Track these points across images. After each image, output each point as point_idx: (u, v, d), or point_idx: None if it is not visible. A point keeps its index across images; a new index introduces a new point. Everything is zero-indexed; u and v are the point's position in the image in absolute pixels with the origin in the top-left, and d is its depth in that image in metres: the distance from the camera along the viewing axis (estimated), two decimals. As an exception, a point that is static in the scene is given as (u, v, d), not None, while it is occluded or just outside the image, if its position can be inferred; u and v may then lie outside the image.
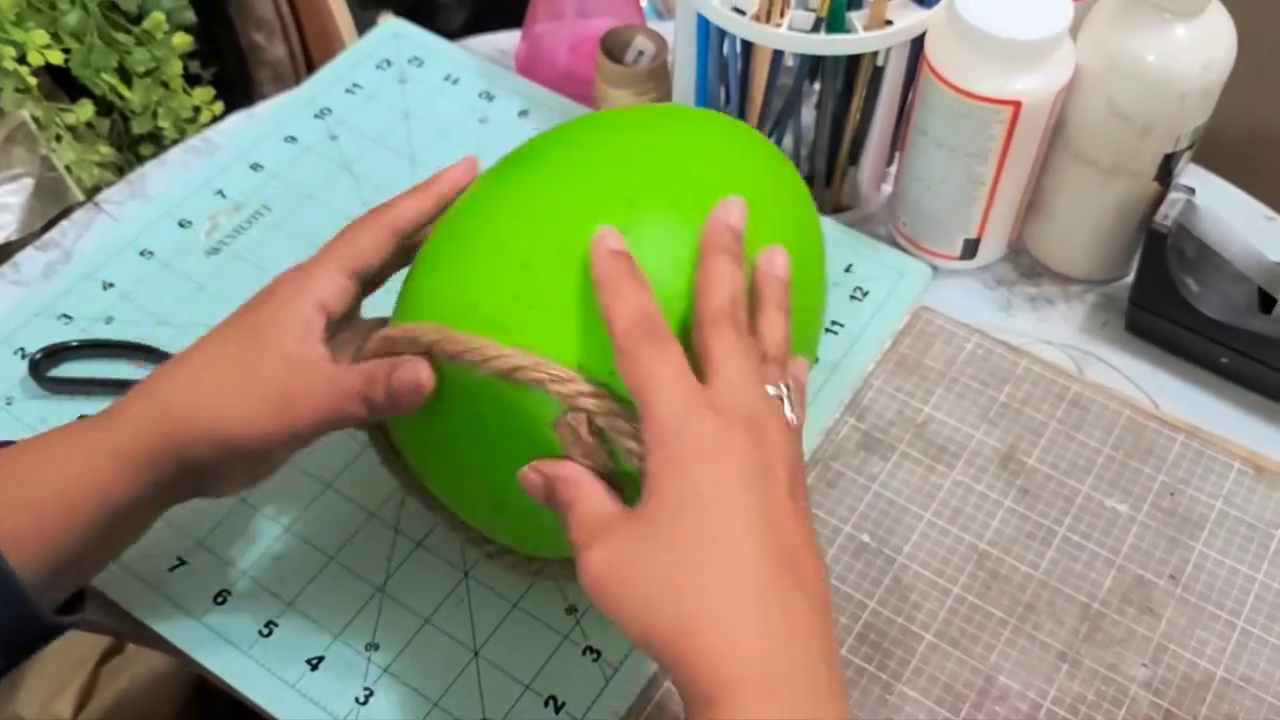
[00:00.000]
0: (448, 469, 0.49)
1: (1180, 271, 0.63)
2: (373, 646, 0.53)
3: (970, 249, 0.68)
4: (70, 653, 0.96)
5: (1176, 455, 0.60)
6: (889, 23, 0.62)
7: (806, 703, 0.36)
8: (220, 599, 0.54)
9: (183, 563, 0.55)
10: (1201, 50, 0.59)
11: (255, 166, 0.71)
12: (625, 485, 0.43)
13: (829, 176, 0.71)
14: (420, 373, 0.44)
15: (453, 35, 0.82)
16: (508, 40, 0.82)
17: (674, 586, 0.37)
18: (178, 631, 0.53)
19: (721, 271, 0.43)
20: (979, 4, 0.59)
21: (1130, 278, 0.66)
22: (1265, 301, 0.64)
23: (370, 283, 0.50)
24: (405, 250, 0.50)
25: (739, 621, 0.37)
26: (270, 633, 0.53)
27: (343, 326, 0.48)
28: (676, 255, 0.44)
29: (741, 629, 0.36)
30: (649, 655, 0.38)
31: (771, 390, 0.42)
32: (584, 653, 0.53)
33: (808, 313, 0.51)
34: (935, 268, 0.69)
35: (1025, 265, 0.70)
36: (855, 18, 0.62)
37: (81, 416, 0.58)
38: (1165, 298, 0.63)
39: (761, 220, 0.46)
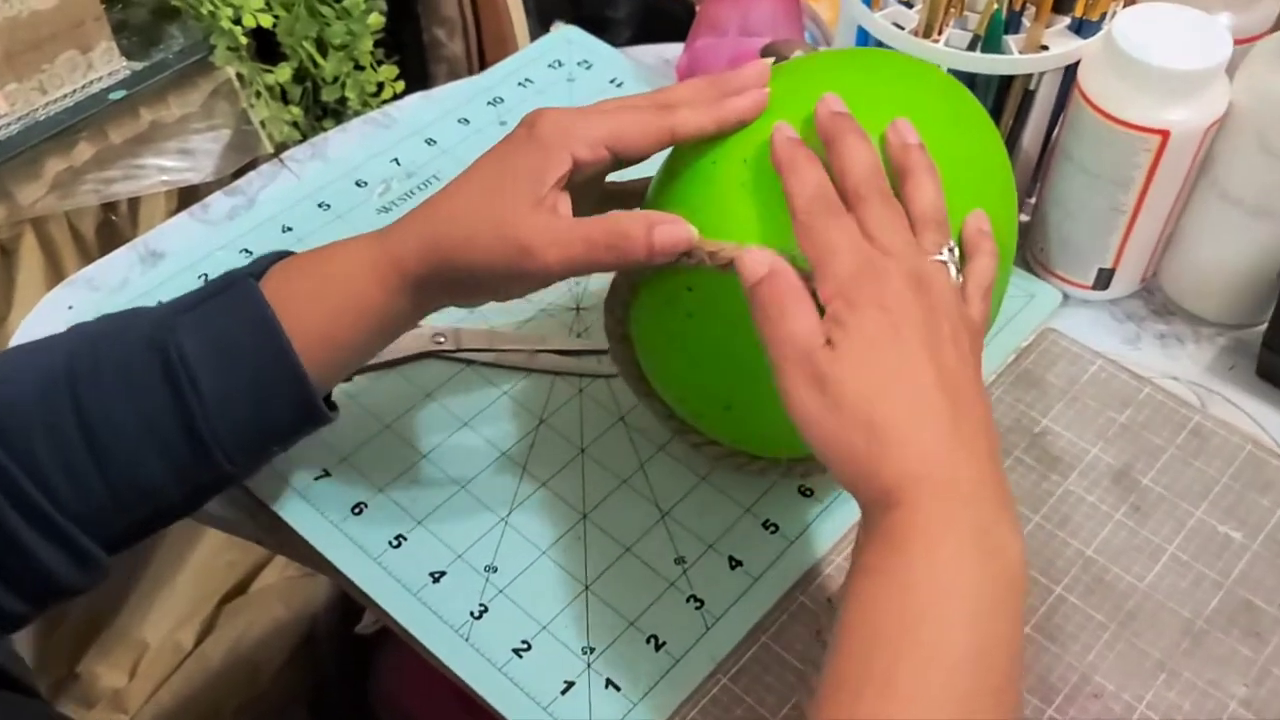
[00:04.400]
0: (683, 375, 0.56)
1: (1317, 318, 0.63)
2: (492, 569, 0.56)
3: (1104, 280, 0.69)
4: (196, 591, 1.02)
5: (1297, 493, 0.60)
6: (1045, 48, 0.65)
7: (982, 507, 0.40)
8: (358, 510, 0.58)
9: (327, 474, 0.60)
10: (1358, 95, 0.59)
11: (429, 141, 0.77)
12: None
13: (970, 199, 0.73)
14: (691, 234, 0.47)
15: (620, 47, 0.87)
16: (671, 51, 0.86)
17: (865, 399, 0.41)
18: (318, 535, 0.58)
19: (852, 147, 0.46)
20: (1137, 33, 0.61)
21: (1264, 325, 0.66)
22: (1404, 356, 0.63)
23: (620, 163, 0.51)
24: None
25: (925, 426, 0.41)
26: (399, 545, 0.57)
27: (573, 190, 0.50)
28: None
29: (928, 432, 0.41)
30: (837, 473, 0.42)
31: (934, 255, 0.45)
32: (688, 600, 0.55)
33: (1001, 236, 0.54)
34: (1066, 296, 0.70)
35: (1157, 302, 0.71)
36: (1012, 41, 0.65)
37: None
38: (1300, 343, 0.64)
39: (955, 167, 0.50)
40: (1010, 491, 0.42)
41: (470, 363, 0.65)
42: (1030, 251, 0.72)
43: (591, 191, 0.52)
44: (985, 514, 0.40)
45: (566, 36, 0.86)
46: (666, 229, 0.47)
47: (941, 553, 0.39)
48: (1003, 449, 0.62)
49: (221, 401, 0.48)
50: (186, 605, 1.00)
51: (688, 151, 0.51)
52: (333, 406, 0.53)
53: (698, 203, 0.50)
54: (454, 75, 0.99)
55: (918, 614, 0.38)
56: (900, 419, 0.41)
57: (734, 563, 0.57)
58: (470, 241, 0.48)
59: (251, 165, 0.78)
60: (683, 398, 0.57)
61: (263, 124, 0.82)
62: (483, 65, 0.99)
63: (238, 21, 0.76)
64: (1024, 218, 0.74)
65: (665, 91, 0.52)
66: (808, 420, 0.42)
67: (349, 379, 0.63)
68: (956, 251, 0.47)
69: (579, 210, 0.49)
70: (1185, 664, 0.54)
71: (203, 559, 1.01)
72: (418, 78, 1.00)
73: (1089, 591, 0.56)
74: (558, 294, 0.68)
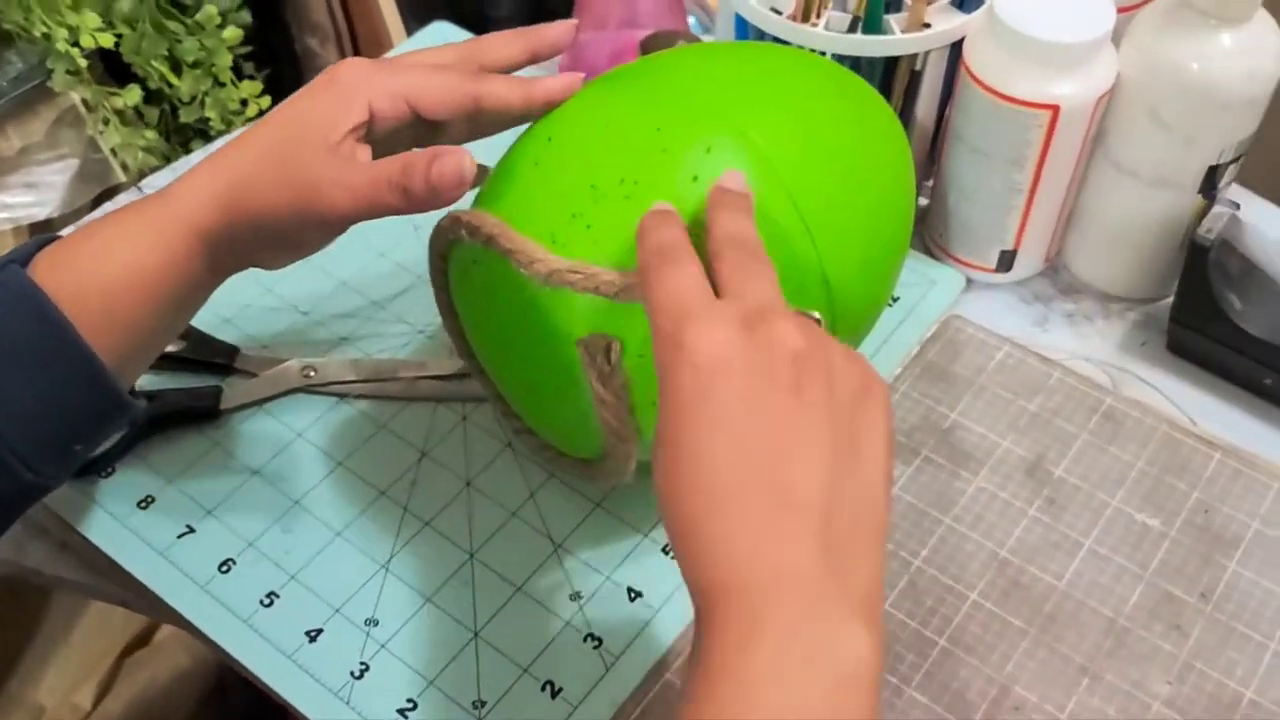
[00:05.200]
0: (490, 352, 0.53)
1: (1224, 288, 0.61)
2: (373, 622, 0.52)
3: (1006, 261, 0.67)
4: (94, 644, 0.96)
5: (1213, 473, 0.58)
6: (927, 25, 0.62)
7: (791, 612, 0.34)
8: (225, 568, 0.54)
9: (190, 530, 0.55)
10: (1247, 59, 0.57)
11: (295, 157, 0.72)
12: (639, 412, 0.46)
13: (865, 186, 0.70)
14: (464, 163, 0.44)
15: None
16: (553, 48, 0.82)
17: (673, 485, 0.36)
18: (181, 598, 0.53)
19: (730, 217, 0.42)
20: (1019, 6, 0.59)
21: (1172, 297, 0.64)
22: (1312, 322, 0.62)
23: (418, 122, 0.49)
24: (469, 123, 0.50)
25: (725, 523, 0.35)
26: (271, 603, 0.53)
27: (378, 147, 0.48)
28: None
29: (726, 532, 0.35)
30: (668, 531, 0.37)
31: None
32: (585, 639, 0.52)
33: (883, 259, 0.52)
34: (970, 280, 0.67)
35: (1063, 282, 0.69)
36: (893, 20, 0.62)
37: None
38: (1208, 315, 0.61)
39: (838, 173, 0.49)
40: (863, 575, 0.35)
41: (344, 396, 0.61)
42: (930, 236, 0.69)
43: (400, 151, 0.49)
44: (799, 615, 0.34)
45: (440, 33, 0.82)
46: (444, 160, 0.44)
47: (746, 671, 0.33)
48: (911, 448, 0.59)
49: (6, 402, 0.44)
50: (84, 661, 0.95)
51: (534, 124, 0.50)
52: (135, 396, 0.48)
53: (495, 175, 0.49)
54: (330, 85, 0.94)
55: None
56: (692, 524, 0.35)
57: (633, 594, 0.53)
58: (262, 185, 0.46)
59: (110, 196, 0.72)
60: (497, 376, 0.54)
61: (114, 151, 0.77)
62: (360, 72, 0.94)
63: (75, 43, 0.70)
64: (922, 201, 0.72)
65: (476, 45, 0.50)
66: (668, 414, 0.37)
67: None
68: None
69: None
70: (1108, 666, 0.51)
71: (99, 609, 0.95)
72: (293, 89, 0.95)
73: (1005, 595, 0.53)
74: (436, 314, 0.64)
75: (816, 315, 0.40)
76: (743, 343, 0.37)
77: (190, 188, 0.47)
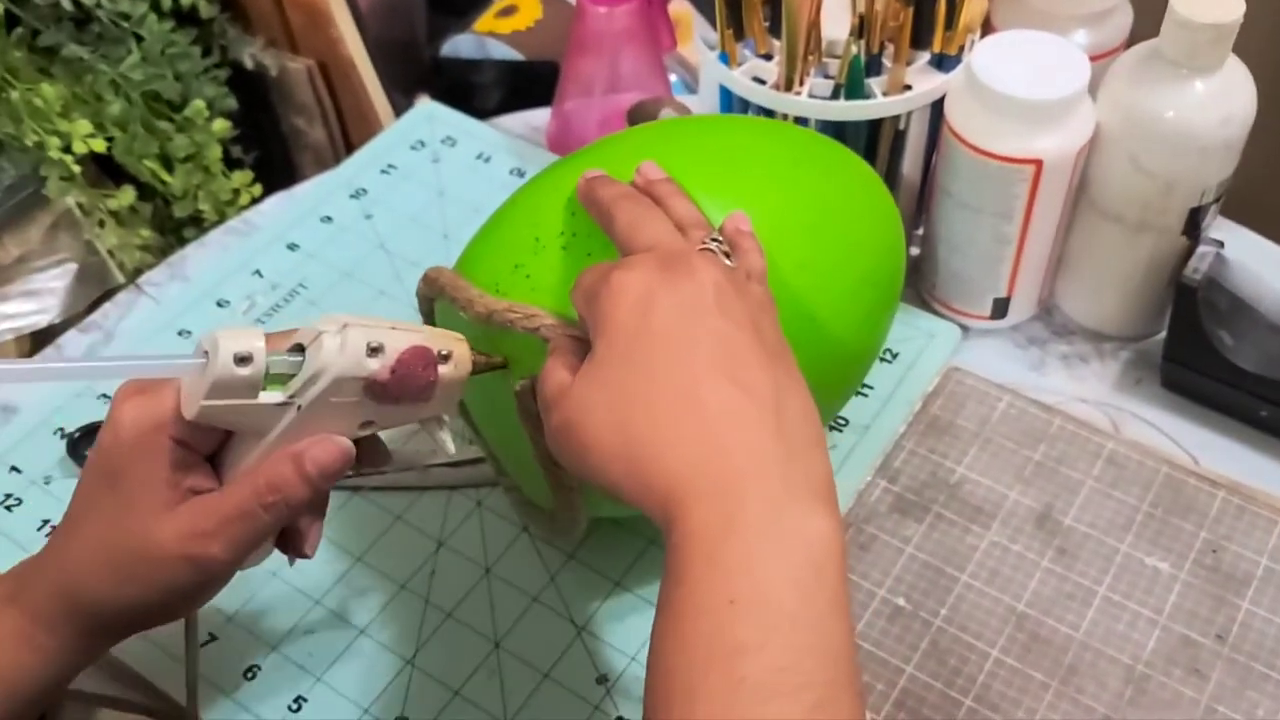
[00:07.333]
0: (474, 400, 0.54)
1: (1213, 325, 0.62)
2: None
3: (1000, 308, 0.68)
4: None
5: (1218, 512, 0.59)
6: (908, 87, 0.63)
7: (765, 495, 0.35)
8: (250, 674, 0.54)
9: (213, 638, 0.56)
10: (1220, 104, 0.59)
11: (292, 246, 0.73)
12: None
13: (856, 241, 0.71)
14: (342, 444, 0.41)
15: (489, 114, 0.84)
16: (539, 117, 0.83)
17: (617, 411, 0.38)
18: (211, 707, 0.53)
19: (598, 189, 0.46)
20: (997, 66, 0.60)
21: (1164, 333, 0.65)
22: (1303, 353, 0.63)
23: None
24: None
25: (681, 427, 0.36)
26: (299, 708, 0.53)
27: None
28: None
29: (685, 435, 0.36)
30: (622, 499, 0.37)
31: (700, 246, 0.42)
32: (615, 723, 0.52)
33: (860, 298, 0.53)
34: (966, 328, 0.69)
35: (1057, 323, 0.70)
36: (874, 83, 0.63)
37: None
38: (1199, 352, 0.63)
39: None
40: (818, 465, 0.37)
41: (357, 489, 0.61)
42: (923, 288, 0.70)
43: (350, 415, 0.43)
44: (771, 503, 0.35)
45: (427, 113, 0.83)
46: (315, 454, 0.41)
47: (724, 563, 0.34)
48: (922, 505, 0.60)
49: None
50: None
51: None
52: None
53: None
54: (320, 162, 0.94)
55: (709, 646, 0.33)
56: (653, 423, 0.37)
57: (659, 673, 0.54)
58: (120, 583, 0.41)
59: (108, 296, 0.73)
60: (484, 432, 0.55)
61: (111, 252, 0.77)
62: (349, 148, 0.95)
63: (68, 149, 0.71)
64: (913, 251, 0.73)
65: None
66: (574, 458, 0.39)
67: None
68: (723, 243, 0.44)
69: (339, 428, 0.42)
70: (1131, 714, 0.52)
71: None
72: (283, 170, 0.96)
73: (1026, 650, 0.54)
74: (443, 400, 0.65)
75: (716, 241, 0.43)
76: (663, 278, 0.39)
77: (42, 596, 0.42)
